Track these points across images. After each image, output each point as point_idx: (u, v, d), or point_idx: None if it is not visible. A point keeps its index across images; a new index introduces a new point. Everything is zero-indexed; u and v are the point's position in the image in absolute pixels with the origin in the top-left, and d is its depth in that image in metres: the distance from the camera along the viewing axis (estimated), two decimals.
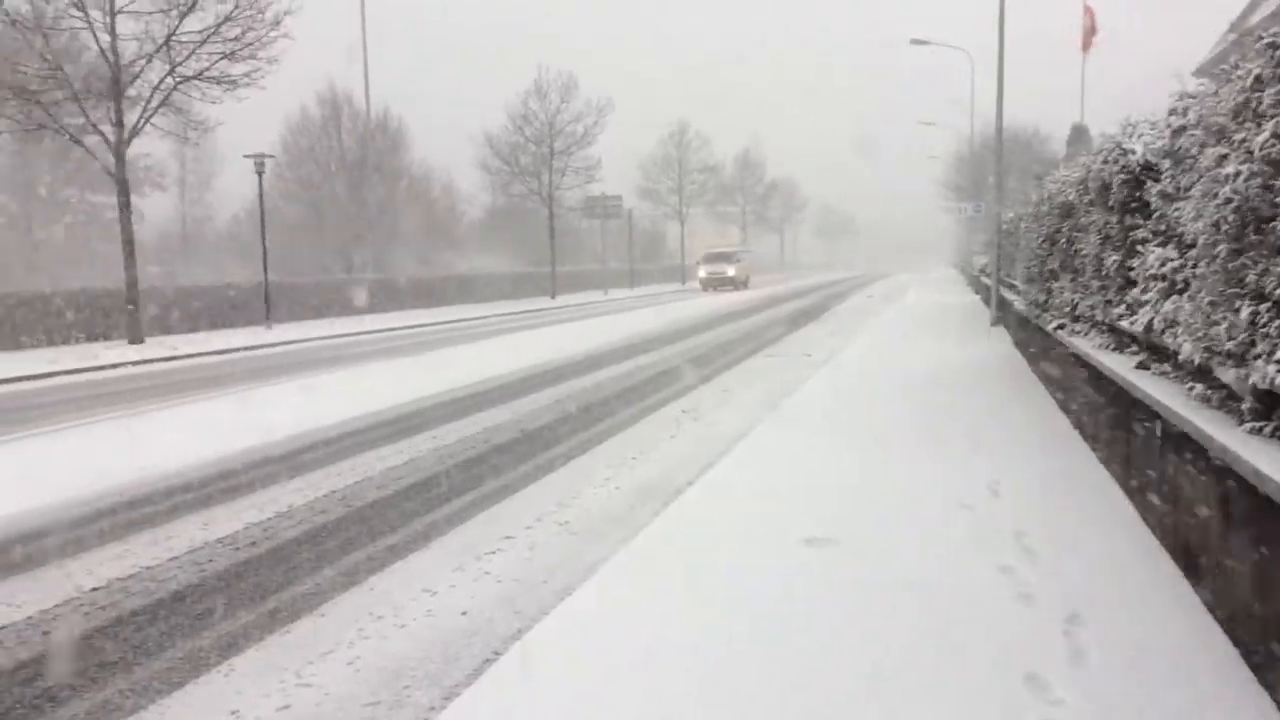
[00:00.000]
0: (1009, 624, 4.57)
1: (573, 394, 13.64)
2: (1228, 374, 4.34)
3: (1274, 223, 3.88)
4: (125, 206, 24.84)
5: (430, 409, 12.51)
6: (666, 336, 23.38)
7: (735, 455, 8.64)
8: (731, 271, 55.04)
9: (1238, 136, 4.13)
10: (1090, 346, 8.27)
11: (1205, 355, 4.66)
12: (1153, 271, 5.84)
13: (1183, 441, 5.01)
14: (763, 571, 5.43)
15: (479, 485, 8.35)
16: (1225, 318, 4.25)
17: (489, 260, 57.77)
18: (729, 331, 24.85)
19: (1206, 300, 4.49)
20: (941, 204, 62.62)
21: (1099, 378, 7.70)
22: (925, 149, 63.93)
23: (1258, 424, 4.16)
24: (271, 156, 32.81)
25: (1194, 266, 4.78)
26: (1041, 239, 11.65)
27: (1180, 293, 5.34)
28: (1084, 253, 8.49)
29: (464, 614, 5.39)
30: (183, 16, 23.80)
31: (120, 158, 24.44)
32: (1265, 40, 4.03)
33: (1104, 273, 7.63)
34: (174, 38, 23.97)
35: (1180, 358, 5.14)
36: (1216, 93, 4.59)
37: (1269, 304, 3.89)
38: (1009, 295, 19.57)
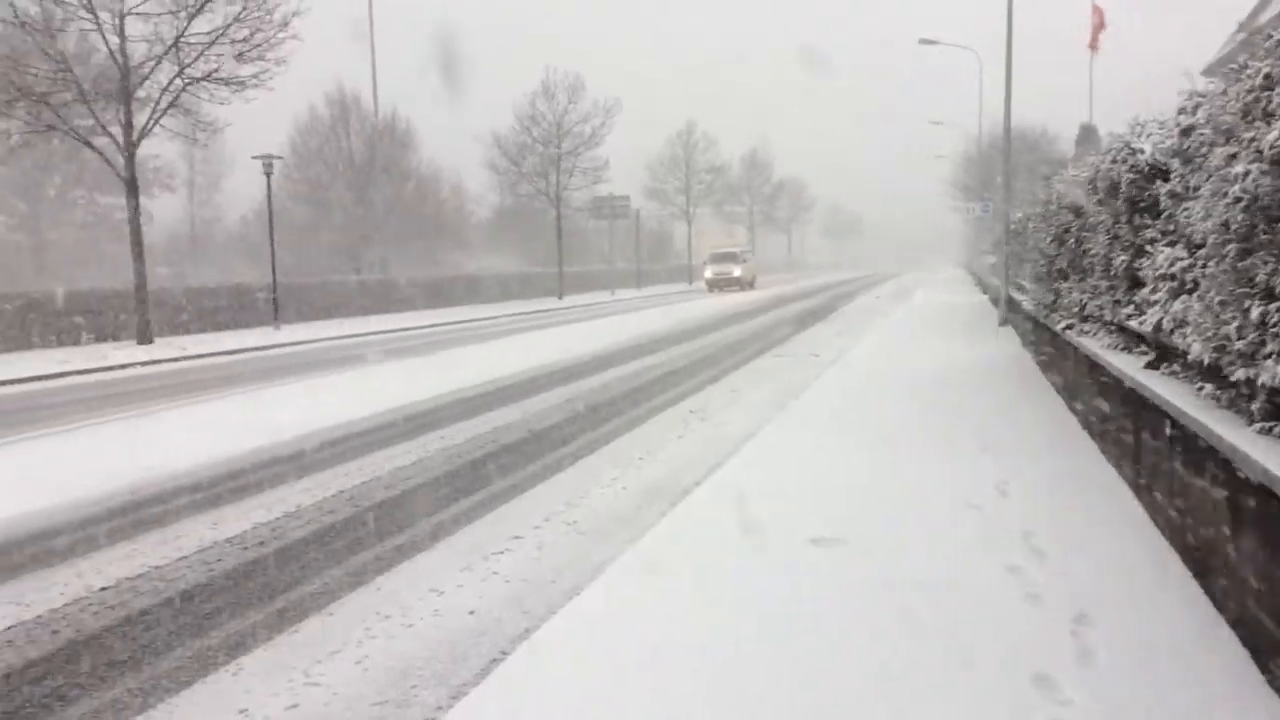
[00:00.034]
0: (1017, 624, 4.56)
1: (580, 394, 13.65)
2: (1238, 372, 4.32)
3: None
4: (134, 208, 24.91)
5: (438, 409, 12.53)
6: (673, 337, 23.37)
7: (743, 455, 8.63)
8: (737, 272, 54.89)
9: (1247, 135, 4.12)
10: (1099, 346, 8.25)
11: (1215, 355, 4.64)
12: (1162, 271, 5.82)
13: (1192, 441, 4.99)
14: (770, 571, 5.42)
15: (487, 485, 8.36)
16: (1235, 317, 4.24)
17: (496, 261, 57.84)
18: (736, 332, 24.83)
19: (1216, 300, 4.47)
20: (949, 204, 62.60)
21: (1107, 378, 7.68)
22: (933, 149, 63.84)
23: (1268, 424, 4.15)
24: (280, 158, 32.89)
25: (1203, 266, 4.77)
26: (1050, 239, 11.62)
27: (1189, 292, 5.32)
28: (1092, 252, 8.47)
29: (471, 614, 5.39)
30: (191, 18, 23.89)
31: (129, 159, 24.54)
32: (1275, 39, 4.02)
33: (1112, 272, 7.61)
34: (183, 39, 24.06)
35: (1190, 357, 5.12)
36: (1225, 92, 4.57)
37: (1279, 303, 3.88)
38: (1017, 295, 19.54)
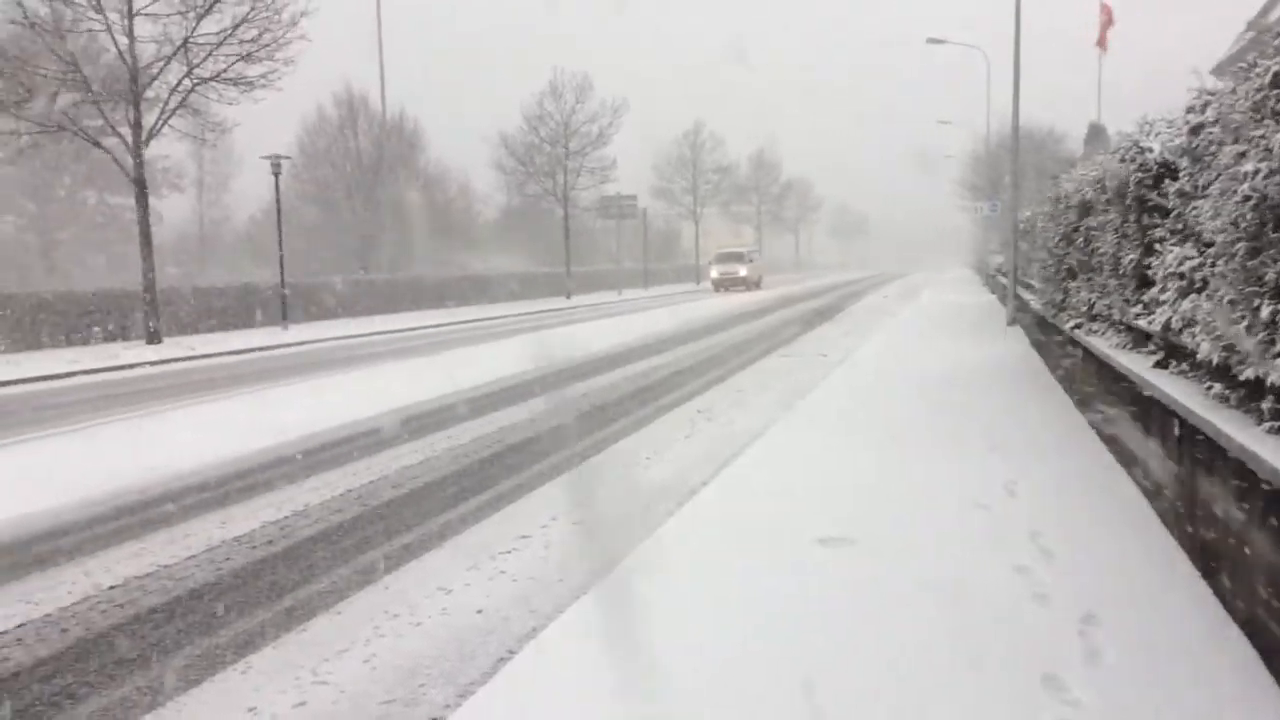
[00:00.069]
0: (1025, 624, 4.55)
1: (587, 393, 13.65)
2: (1247, 371, 4.31)
3: None
4: (143, 208, 25.01)
5: (445, 408, 12.55)
6: (681, 336, 23.37)
7: (750, 455, 8.62)
8: (744, 272, 54.80)
9: (1256, 134, 4.10)
10: (1107, 346, 8.23)
11: (1224, 354, 4.63)
12: (1171, 270, 5.81)
13: (1201, 441, 4.97)
14: (778, 571, 5.42)
15: (494, 485, 8.37)
16: (1244, 316, 4.22)
17: (504, 260, 57.87)
18: (744, 331, 24.82)
19: (1225, 299, 4.46)
20: (957, 203, 62.34)
21: (1116, 377, 7.66)
22: (940, 148, 63.71)
23: (1277, 423, 4.13)
24: (288, 158, 32.96)
25: (1212, 265, 4.75)
26: (1058, 238, 11.59)
27: (1198, 291, 5.31)
28: (1101, 251, 8.45)
29: (479, 612, 5.40)
30: (200, 18, 23.97)
31: (138, 159, 24.62)
32: None
33: (1121, 272, 7.59)
34: (191, 39, 24.14)
35: (1198, 357, 5.10)
36: (1234, 90, 4.56)
37: None
38: (1025, 295, 19.49)
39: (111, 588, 5.92)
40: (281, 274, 30.77)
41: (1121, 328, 8.12)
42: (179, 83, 24.61)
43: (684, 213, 76.48)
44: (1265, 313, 3.98)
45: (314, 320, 33.67)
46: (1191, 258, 5.50)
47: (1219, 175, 4.58)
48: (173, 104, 24.84)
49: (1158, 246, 6.32)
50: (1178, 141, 6.05)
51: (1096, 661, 4.11)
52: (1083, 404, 10.07)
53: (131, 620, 5.42)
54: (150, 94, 24.85)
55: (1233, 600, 4.54)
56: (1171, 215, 6.06)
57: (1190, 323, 5.44)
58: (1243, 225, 4.16)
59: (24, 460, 10.34)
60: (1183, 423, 5.37)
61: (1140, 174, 6.83)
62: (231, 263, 52.83)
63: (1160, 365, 6.44)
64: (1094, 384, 9.15)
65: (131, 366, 20.16)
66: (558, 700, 4.02)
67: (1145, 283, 6.88)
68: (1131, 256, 7.17)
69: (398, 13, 61.88)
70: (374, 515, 7.47)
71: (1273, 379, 3.98)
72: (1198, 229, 5.22)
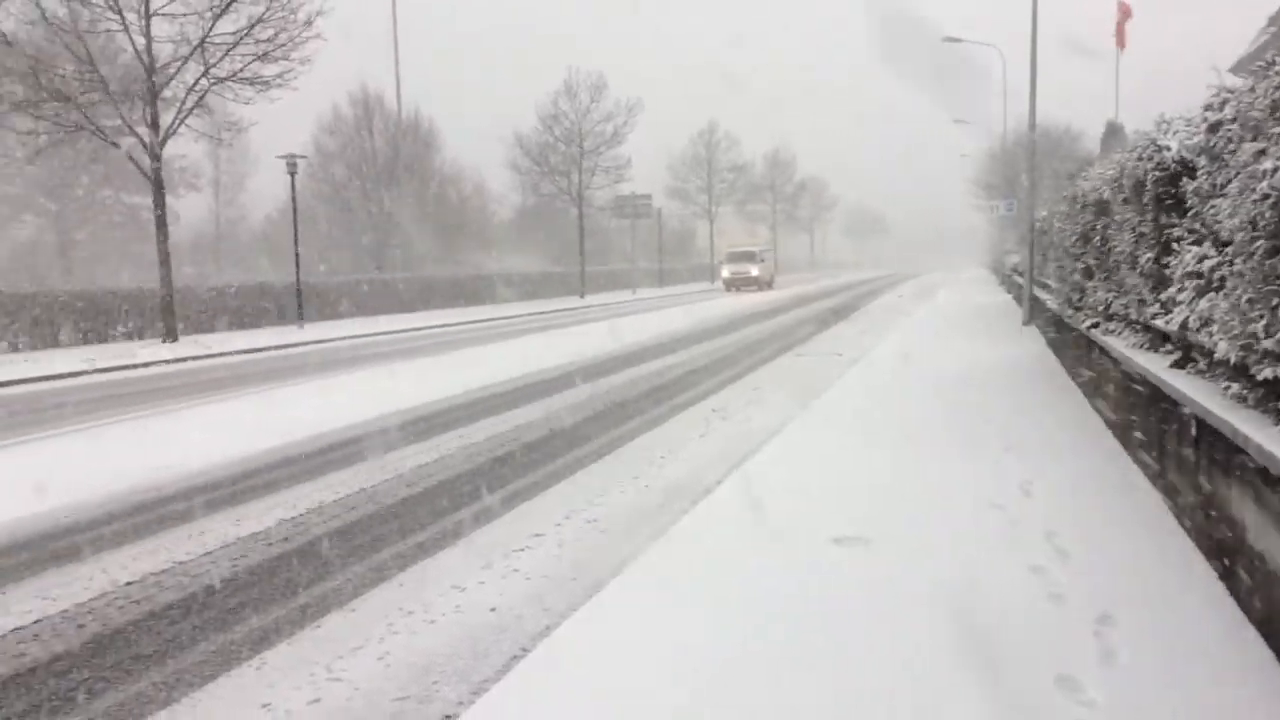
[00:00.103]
0: (1040, 624, 4.53)
1: (602, 392, 13.66)
2: (1265, 371, 4.27)
3: None
4: (160, 207, 25.15)
5: (460, 407, 12.58)
6: (695, 335, 23.36)
7: (765, 454, 8.61)
8: (755, 271, 54.61)
9: (1275, 131, 4.07)
10: (1124, 345, 8.18)
11: (1242, 354, 4.59)
12: (1188, 269, 5.77)
13: (1218, 441, 4.94)
14: (793, 570, 5.41)
15: (508, 483, 8.38)
16: (1262, 315, 4.19)
17: (519, 260, 57.99)
18: (758, 330, 24.80)
19: (1244, 298, 4.42)
20: (973, 202, 62.12)
21: (1132, 377, 7.62)
22: (956, 147, 63.46)
23: None
24: (303, 157, 33.10)
25: (1230, 264, 4.72)
26: (1075, 237, 11.53)
27: (1216, 290, 5.27)
28: (1118, 251, 8.40)
29: (493, 610, 5.41)
30: (216, 18, 24.08)
31: (156, 159, 24.76)
32: None
33: (1138, 271, 7.54)
34: (208, 39, 24.25)
35: (1216, 356, 5.07)
36: (1253, 88, 4.53)
37: None
38: (1041, 294, 19.40)
39: (128, 583, 5.96)
40: (297, 273, 30.91)
41: (1138, 327, 8.07)
42: (195, 82, 24.75)
43: (699, 212, 76.52)
44: None
45: (328, 319, 33.81)
46: (1209, 256, 5.46)
47: (1237, 173, 4.55)
48: (189, 103, 24.98)
49: (1175, 245, 6.28)
50: (1195, 139, 6.01)
51: (1112, 662, 4.09)
52: (1098, 404, 10.02)
53: (147, 616, 5.46)
54: (167, 94, 25.00)
55: (1249, 601, 4.51)
56: (1189, 214, 6.02)
57: (1207, 322, 5.40)
58: (1261, 224, 4.13)
59: (40, 458, 10.41)
60: (1200, 422, 5.34)
61: (1158, 172, 6.78)
62: (247, 262, 53.12)
63: (1177, 365, 6.40)
64: (1110, 384, 9.10)
65: (148, 365, 20.28)
66: (571, 698, 4.02)
67: (1162, 282, 6.84)
68: (1148, 256, 7.12)
69: (403, 12, 61.90)
70: (388, 513, 7.49)
71: None
72: (1215, 228, 5.18)
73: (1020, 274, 24.45)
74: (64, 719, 4.33)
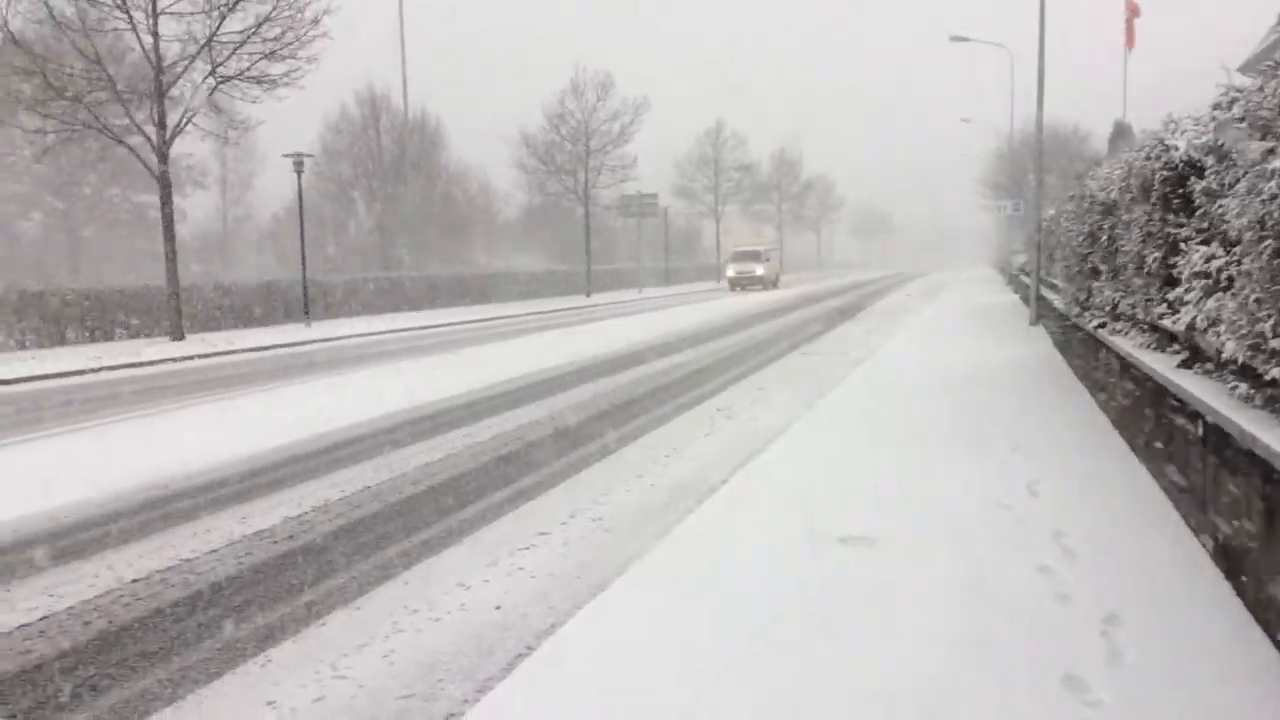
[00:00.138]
0: (1047, 624, 4.51)
1: (608, 391, 13.66)
2: (1273, 371, 4.26)
3: None
4: (167, 205, 25.20)
5: (465, 405, 12.58)
6: (701, 334, 23.35)
7: (771, 453, 8.60)
8: (760, 270, 54.53)
9: None
10: (1131, 345, 8.16)
11: (1249, 354, 4.57)
12: (1196, 269, 5.75)
13: (1225, 441, 4.92)
14: (798, 570, 5.40)
15: (514, 481, 8.38)
16: (1270, 315, 4.17)
17: (525, 258, 58.13)
18: (764, 330, 24.78)
19: (1252, 298, 4.40)
20: (980, 202, 62.08)
21: (1140, 377, 7.59)
22: (963, 147, 63.38)
23: None
24: (310, 156, 33.17)
25: (1238, 263, 4.70)
26: (1082, 237, 11.49)
27: (1224, 290, 5.25)
28: (1125, 250, 8.37)
29: (498, 608, 5.41)
30: (224, 17, 24.14)
31: (163, 157, 24.82)
32: None
33: (1146, 270, 7.51)
34: (215, 38, 24.30)
35: (1223, 356, 5.05)
36: (1262, 88, 4.51)
37: None
38: (1049, 294, 19.36)
39: (134, 581, 5.97)
40: (304, 272, 30.97)
41: (1145, 327, 8.05)
42: (203, 81, 24.82)
43: (705, 211, 76.47)
44: None
45: (334, 317, 33.87)
46: (1217, 256, 5.44)
47: (1245, 173, 4.53)
48: (196, 102, 25.05)
49: (1183, 245, 6.25)
50: (1204, 139, 5.99)
51: (1118, 662, 4.08)
52: (1106, 404, 9.99)
53: (153, 613, 5.46)
54: (174, 92, 25.08)
55: (1256, 601, 4.49)
56: (1197, 213, 6.00)
57: (1215, 322, 5.38)
58: (1269, 223, 4.11)
59: (47, 455, 10.43)
60: (1207, 422, 5.32)
61: (1165, 172, 6.76)
62: (255, 260, 53.25)
63: (1185, 365, 6.38)
64: (1117, 384, 9.07)
65: (154, 363, 20.33)
66: (576, 696, 4.02)
67: (1170, 282, 6.81)
68: (1156, 255, 7.09)
69: (404, 12, 61.92)
70: (394, 511, 7.49)
71: None
72: (1223, 227, 5.16)
73: (1027, 274, 24.41)
74: (70, 716, 4.34)
